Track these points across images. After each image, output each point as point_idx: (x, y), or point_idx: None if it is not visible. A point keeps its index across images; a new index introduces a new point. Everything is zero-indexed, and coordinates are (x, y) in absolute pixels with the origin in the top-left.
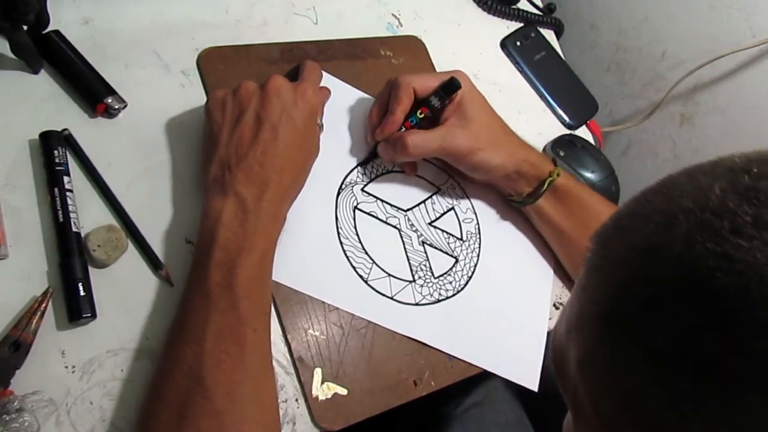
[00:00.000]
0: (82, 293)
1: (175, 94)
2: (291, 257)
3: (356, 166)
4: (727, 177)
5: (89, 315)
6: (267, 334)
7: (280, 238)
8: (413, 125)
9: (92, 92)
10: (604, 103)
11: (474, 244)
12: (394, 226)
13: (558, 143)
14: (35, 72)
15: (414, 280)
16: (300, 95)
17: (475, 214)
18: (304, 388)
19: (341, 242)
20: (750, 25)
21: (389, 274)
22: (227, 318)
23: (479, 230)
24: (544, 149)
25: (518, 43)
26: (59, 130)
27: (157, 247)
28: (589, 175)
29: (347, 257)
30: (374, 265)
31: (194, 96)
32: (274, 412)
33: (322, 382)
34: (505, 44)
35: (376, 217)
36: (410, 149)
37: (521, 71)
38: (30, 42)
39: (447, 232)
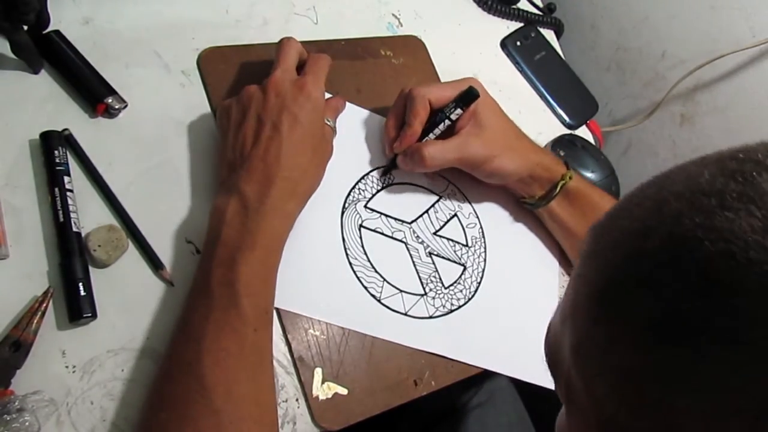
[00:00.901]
0: (82, 293)
1: (176, 94)
2: (302, 284)
3: (370, 171)
4: (715, 164)
5: (90, 315)
6: (268, 333)
7: (288, 264)
8: (426, 128)
9: (92, 92)
10: (604, 103)
11: (480, 248)
12: (401, 240)
13: (558, 143)
14: (35, 72)
15: (426, 293)
16: (299, 90)
17: (478, 217)
18: (305, 387)
19: (350, 263)
20: (750, 25)
21: (401, 290)
22: (227, 316)
23: (483, 234)
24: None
25: (518, 43)
26: (59, 130)
27: (158, 247)
28: (589, 174)
29: (358, 278)
30: (385, 282)
31: (194, 96)
32: (273, 411)
33: (323, 382)
34: (505, 44)
35: (382, 233)
36: (427, 161)
37: (521, 71)
38: (30, 42)
39: (453, 240)
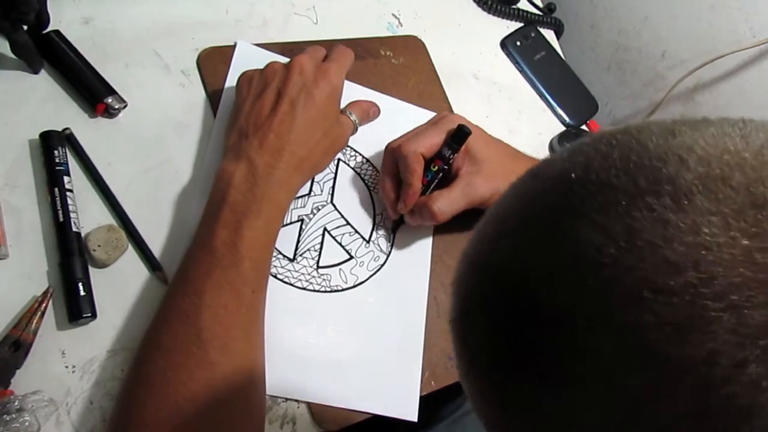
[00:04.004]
0: (82, 293)
1: (175, 94)
2: None
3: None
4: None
5: (89, 315)
6: (263, 296)
7: None
8: (429, 180)
9: (92, 92)
10: (604, 103)
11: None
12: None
13: (564, 137)
14: (35, 72)
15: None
16: (322, 74)
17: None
18: None
19: None
20: (750, 25)
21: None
22: (229, 275)
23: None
24: (551, 143)
25: (518, 43)
26: (59, 130)
27: (157, 246)
28: None
29: None
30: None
31: (194, 96)
32: (262, 370)
33: None
34: (505, 44)
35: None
36: (438, 216)
37: (521, 71)
38: (30, 42)
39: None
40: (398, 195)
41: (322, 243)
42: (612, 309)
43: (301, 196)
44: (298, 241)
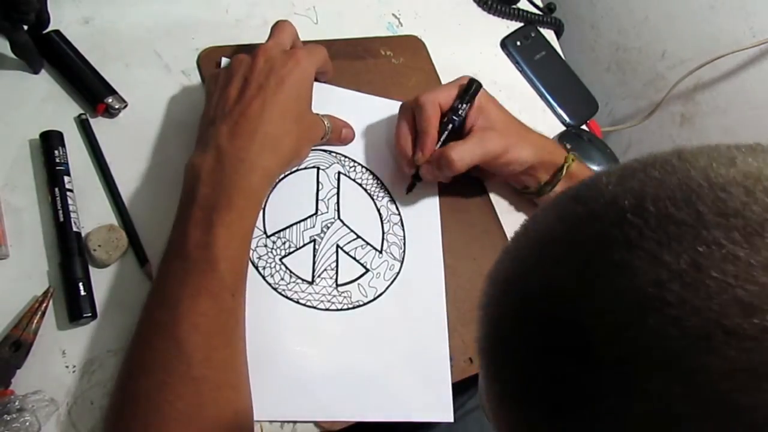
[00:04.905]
0: (82, 293)
1: (176, 94)
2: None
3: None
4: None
5: (90, 315)
6: (243, 297)
7: None
8: (439, 132)
9: (93, 92)
10: (604, 103)
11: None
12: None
13: (564, 136)
14: (35, 72)
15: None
16: (289, 56)
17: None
18: None
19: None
20: (750, 25)
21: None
22: (205, 281)
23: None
24: None
25: (518, 43)
26: (59, 129)
27: (157, 247)
28: (595, 167)
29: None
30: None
31: (194, 96)
32: (246, 377)
33: None
34: (505, 44)
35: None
36: (456, 164)
37: (521, 71)
38: (30, 42)
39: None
40: (414, 149)
41: (337, 261)
42: (677, 352)
43: (309, 216)
44: (314, 263)
